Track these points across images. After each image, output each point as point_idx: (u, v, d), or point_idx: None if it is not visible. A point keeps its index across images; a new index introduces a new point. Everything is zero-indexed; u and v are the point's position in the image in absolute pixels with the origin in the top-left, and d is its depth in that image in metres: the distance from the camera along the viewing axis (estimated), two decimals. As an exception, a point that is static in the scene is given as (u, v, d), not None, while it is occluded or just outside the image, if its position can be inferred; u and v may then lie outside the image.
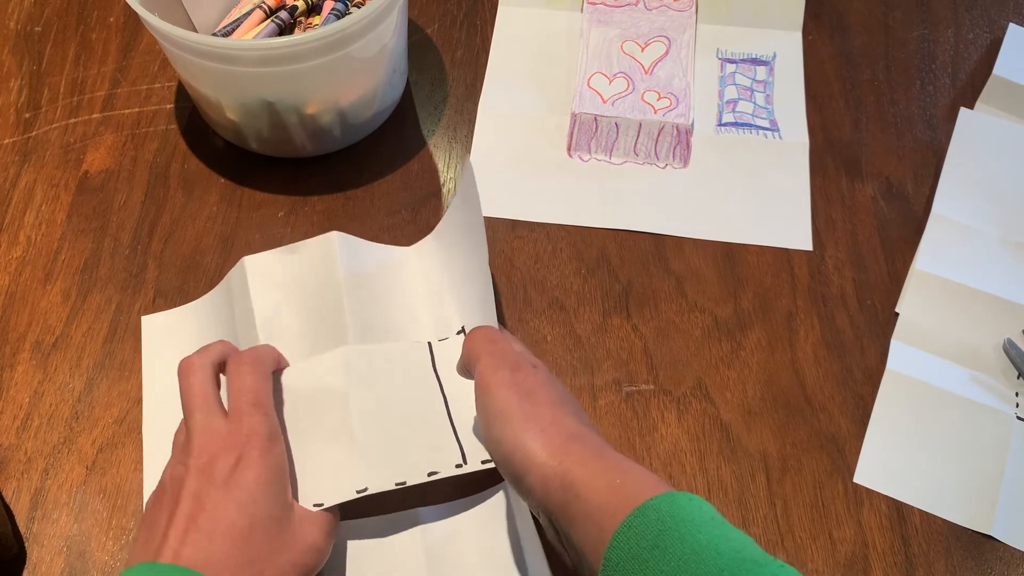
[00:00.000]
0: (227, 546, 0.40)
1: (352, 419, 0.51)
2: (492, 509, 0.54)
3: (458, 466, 0.51)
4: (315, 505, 0.49)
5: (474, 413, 0.54)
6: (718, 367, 0.62)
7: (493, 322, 0.54)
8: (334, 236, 0.58)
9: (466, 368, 0.51)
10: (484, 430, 0.46)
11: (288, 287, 0.58)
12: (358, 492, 0.50)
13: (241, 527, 0.42)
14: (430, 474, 0.51)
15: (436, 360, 0.56)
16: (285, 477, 0.46)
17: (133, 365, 0.61)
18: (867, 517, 0.56)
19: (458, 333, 0.58)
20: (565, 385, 0.50)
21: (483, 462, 0.52)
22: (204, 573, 0.39)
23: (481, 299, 0.57)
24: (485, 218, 0.68)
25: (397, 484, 0.50)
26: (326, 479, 0.51)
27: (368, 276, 0.59)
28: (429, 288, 0.61)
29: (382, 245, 0.62)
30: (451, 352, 0.56)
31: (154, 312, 0.63)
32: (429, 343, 0.57)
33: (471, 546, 0.53)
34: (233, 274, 0.60)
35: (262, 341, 0.56)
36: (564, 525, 0.42)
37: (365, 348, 0.54)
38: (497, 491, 0.55)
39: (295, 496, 0.49)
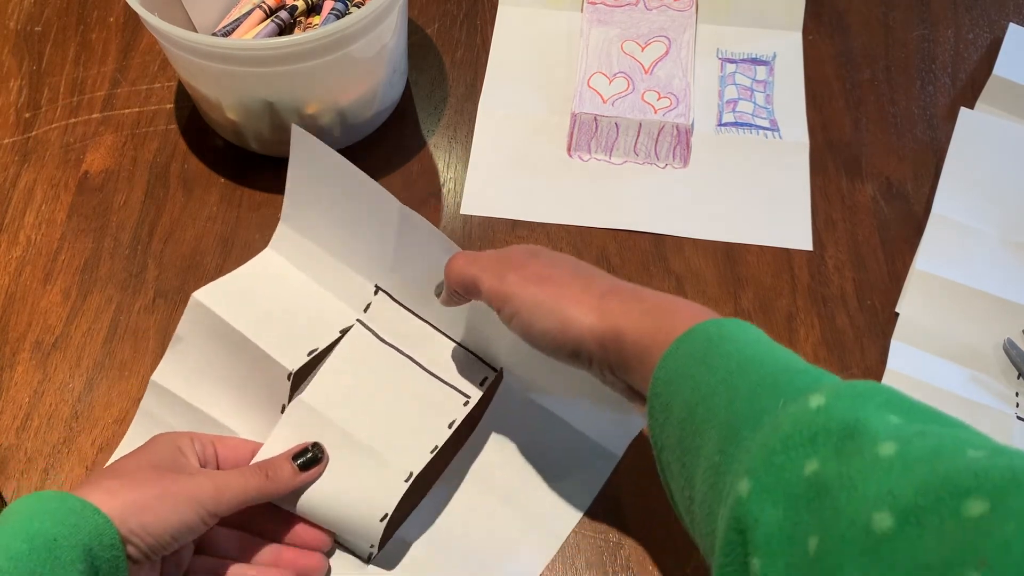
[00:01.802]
0: (119, 482, 0.46)
1: (352, 435, 0.52)
2: (499, 420, 0.56)
3: (465, 404, 0.53)
4: (381, 519, 0.51)
5: (442, 354, 0.55)
6: (718, 367, 0.62)
7: (449, 245, 0.52)
8: (197, 296, 0.55)
9: (464, 295, 0.50)
10: (525, 332, 0.46)
11: (209, 370, 0.56)
12: (405, 481, 0.51)
13: (134, 469, 0.48)
14: (450, 425, 0.52)
15: (377, 331, 0.56)
16: (175, 448, 0.51)
17: (133, 365, 0.61)
18: (867, 517, 0.56)
19: (375, 293, 0.57)
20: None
21: (480, 384, 0.54)
22: (94, 502, 0.44)
23: (395, 241, 0.54)
24: (485, 218, 0.68)
25: (432, 452, 0.52)
26: (375, 496, 0.51)
27: (255, 307, 0.56)
28: (315, 271, 0.58)
29: (238, 271, 0.58)
30: (383, 314, 0.56)
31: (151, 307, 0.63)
32: (359, 320, 0.56)
33: (520, 457, 0.55)
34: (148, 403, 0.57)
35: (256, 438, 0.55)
36: (624, 374, 0.44)
37: (314, 382, 0.53)
38: (488, 414, 0.57)
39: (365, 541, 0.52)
